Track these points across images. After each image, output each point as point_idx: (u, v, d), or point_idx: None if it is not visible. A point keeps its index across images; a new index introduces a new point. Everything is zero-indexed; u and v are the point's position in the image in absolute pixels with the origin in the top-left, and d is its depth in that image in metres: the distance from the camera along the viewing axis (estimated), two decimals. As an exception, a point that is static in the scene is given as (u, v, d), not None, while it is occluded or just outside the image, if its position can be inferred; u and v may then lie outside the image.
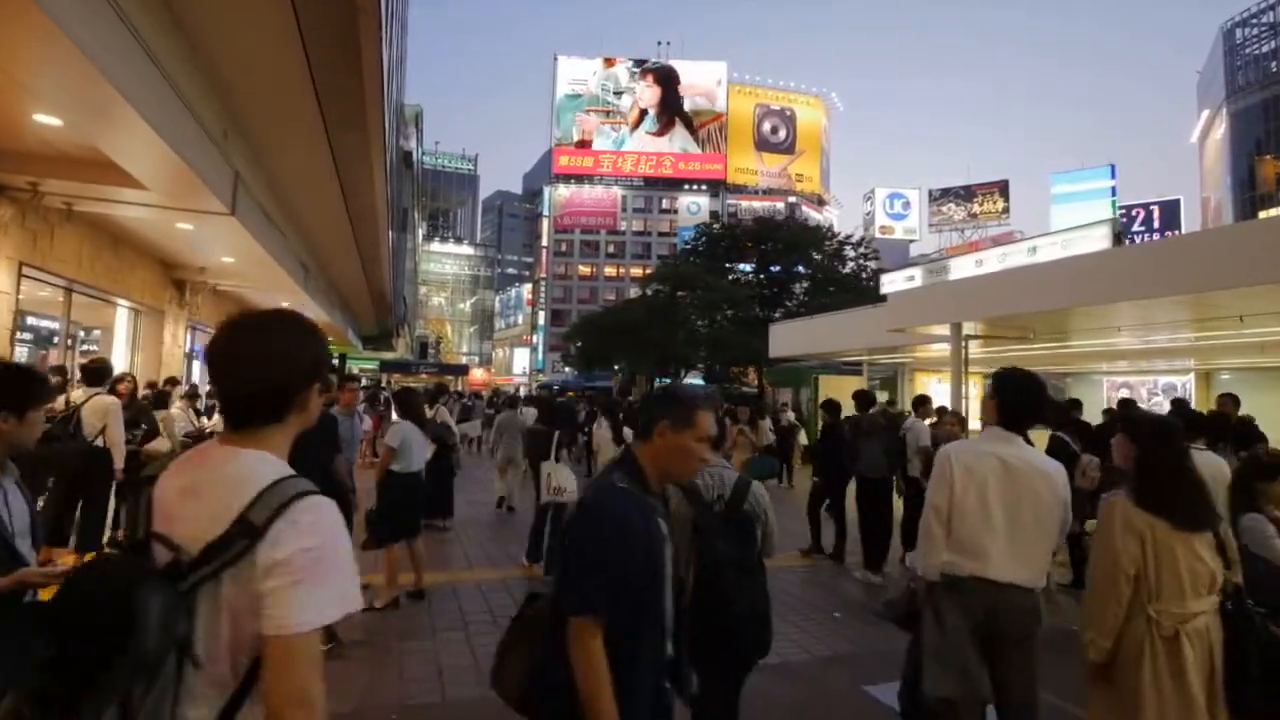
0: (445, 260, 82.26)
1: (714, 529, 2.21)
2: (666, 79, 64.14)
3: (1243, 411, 7.09)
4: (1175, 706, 2.14)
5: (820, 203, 67.23)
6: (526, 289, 72.91)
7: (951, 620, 2.31)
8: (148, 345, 11.44)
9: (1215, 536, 2.20)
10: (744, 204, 60.96)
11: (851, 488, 6.73)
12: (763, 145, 65.93)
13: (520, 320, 74.08)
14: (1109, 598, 2.22)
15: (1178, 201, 59.84)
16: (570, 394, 24.83)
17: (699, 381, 34.55)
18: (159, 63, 5.29)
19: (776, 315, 27.51)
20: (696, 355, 30.48)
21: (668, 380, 33.09)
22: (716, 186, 64.32)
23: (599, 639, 1.45)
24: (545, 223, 65.40)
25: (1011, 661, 2.35)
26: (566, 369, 46.86)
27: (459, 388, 33.11)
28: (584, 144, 64.67)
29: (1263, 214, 41.94)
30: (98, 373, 5.40)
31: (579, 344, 35.17)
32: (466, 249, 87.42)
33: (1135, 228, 56.74)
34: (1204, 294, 6.57)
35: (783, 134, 67.01)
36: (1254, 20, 53.03)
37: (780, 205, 57.16)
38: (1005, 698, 2.34)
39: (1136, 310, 7.74)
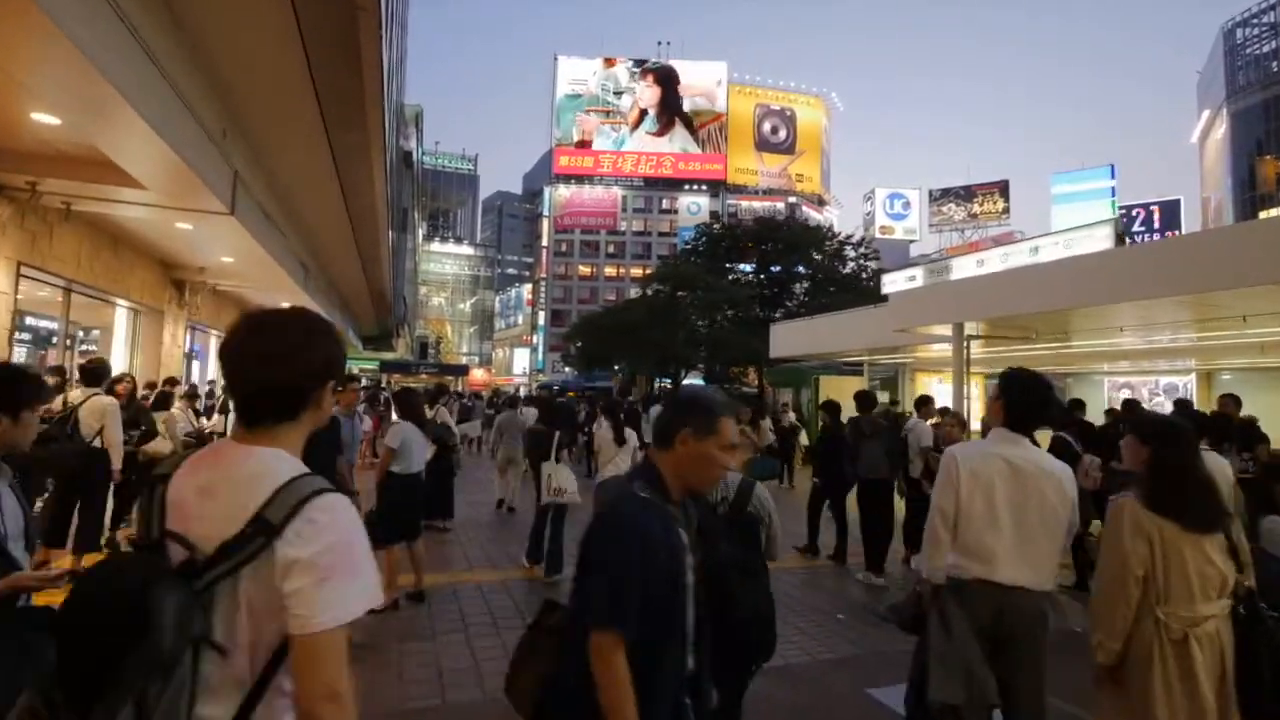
0: (445, 260, 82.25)
1: (717, 531, 2.18)
2: (666, 79, 64.13)
3: (1244, 412, 7.07)
4: (1185, 711, 2.12)
5: (820, 203, 67.21)
6: (526, 289, 72.90)
7: (958, 624, 2.29)
8: (147, 345, 11.42)
9: (1227, 539, 2.17)
10: (744, 204, 60.94)
11: (852, 489, 6.71)
12: (763, 145, 65.93)
13: (520, 320, 74.07)
14: (1117, 600, 2.21)
15: (1178, 202, 59.83)
16: (570, 394, 24.81)
17: (699, 382, 34.55)
18: (158, 62, 5.27)
19: (777, 315, 27.48)
20: (697, 355, 30.46)
21: (668, 380, 33.10)
22: (716, 187, 64.31)
23: (622, 653, 1.42)
24: (545, 223, 65.39)
25: (1019, 665, 2.32)
26: (566, 369, 46.84)
27: (459, 388, 33.08)
28: (584, 144, 64.65)
29: (1263, 214, 41.92)
30: (95, 373, 5.37)
31: (579, 344, 35.15)
32: (466, 249, 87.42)
33: (1135, 228, 56.69)
34: (1206, 294, 6.55)
35: (783, 134, 66.99)
36: (1254, 20, 53.02)
37: (780, 205, 57.15)
38: (1012, 702, 2.31)
39: (1138, 310, 7.72)
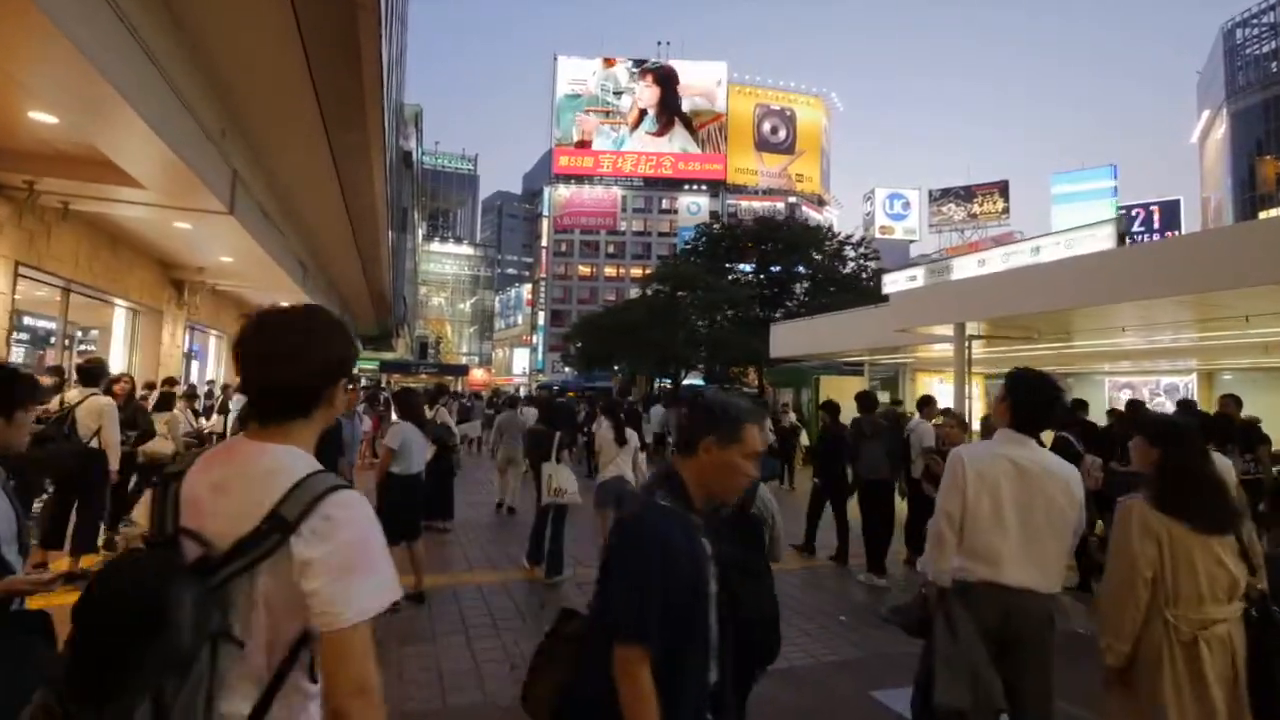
0: (445, 260, 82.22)
1: (721, 532, 2.15)
2: (666, 79, 64.11)
3: (1246, 413, 7.05)
4: (1195, 713, 2.10)
5: (820, 203, 67.21)
6: (526, 289, 72.88)
7: (964, 627, 2.26)
8: (146, 345, 11.40)
9: (1239, 541, 2.15)
10: (744, 204, 60.91)
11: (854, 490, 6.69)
12: (763, 145, 65.91)
13: (520, 320, 74.05)
14: (1126, 602, 2.20)
15: (1177, 202, 59.81)
16: (570, 394, 24.78)
17: (699, 382, 34.51)
18: (157, 61, 5.25)
19: (777, 315, 27.47)
20: (697, 355, 30.44)
21: (668, 381, 33.08)
22: (716, 187, 64.29)
23: (647, 667, 1.39)
24: (545, 223, 65.37)
25: (1026, 668, 2.30)
26: (566, 369, 46.81)
27: (459, 388, 33.06)
28: (584, 144, 64.63)
29: (1263, 214, 41.92)
30: (93, 373, 5.34)
31: (579, 344, 35.12)
32: (466, 249, 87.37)
33: (1135, 228, 56.68)
34: (1209, 294, 6.53)
35: (783, 134, 66.98)
36: (1254, 20, 53.00)
37: (780, 205, 57.13)
38: (1019, 706, 2.29)
39: (1141, 310, 7.70)
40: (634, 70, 64.79)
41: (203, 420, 9.38)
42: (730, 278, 32.79)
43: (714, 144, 64.59)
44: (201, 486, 1.11)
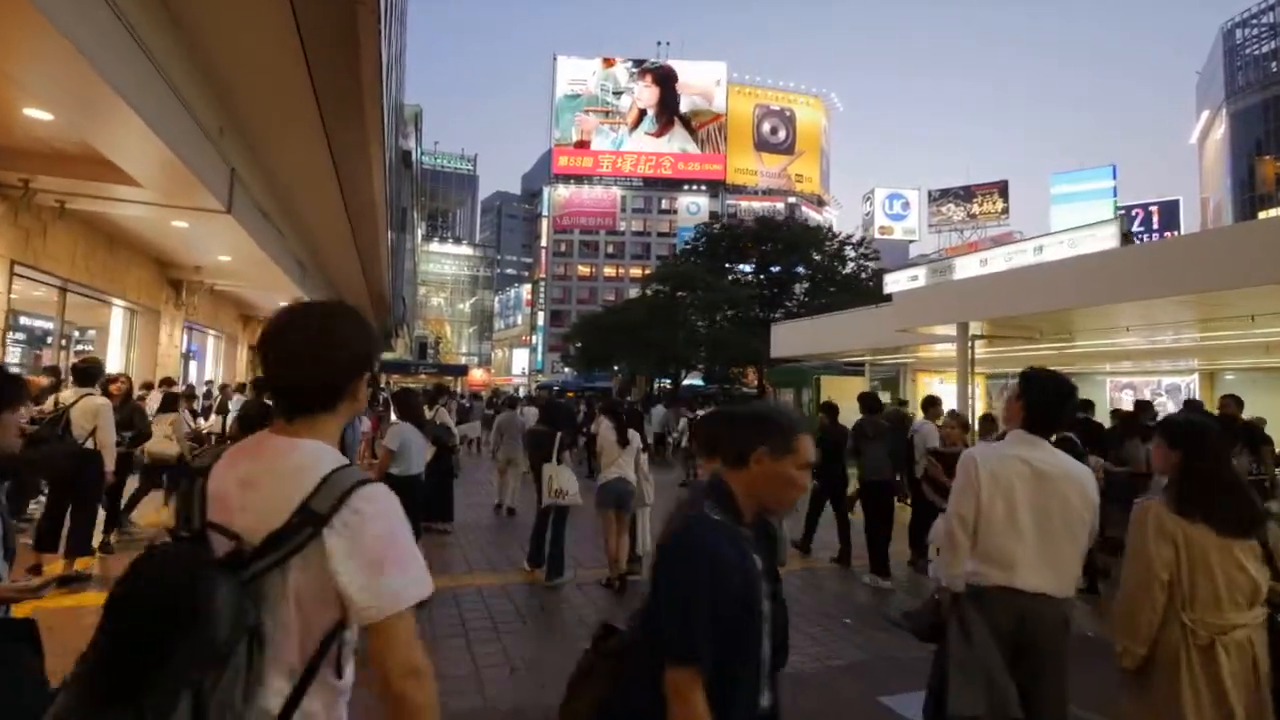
0: (444, 260, 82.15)
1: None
2: (665, 79, 64.09)
3: (1247, 413, 7.02)
4: (1212, 718, 2.05)
5: (820, 203, 67.21)
6: (526, 289, 72.83)
7: (978, 632, 2.21)
8: (144, 345, 11.34)
9: (1263, 546, 2.10)
10: (744, 204, 60.90)
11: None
12: (762, 146, 65.90)
13: (519, 321, 74.00)
14: (1142, 604, 2.17)
15: (1177, 202, 59.86)
16: (569, 394, 24.73)
17: (698, 383, 34.48)
18: (155, 59, 5.20)
19: (776, 315, 27.46)
20: (696, 355, 30.43)
21: (668, 381, 33.04)
22: (716, 187, 64.28)
23: (701, 690, 1.33)
24: (544, 223, 65.33)
25: (1041, 673, 2.24)
26: (566, 369, 46.78)
27: (458, 388, 33.00)
28: (583, 144, 64.59)
29: (1262, 214, 41.93)
30: (88, 373, 5.27)
31: (579, 344, 35.08)
32: (466, 249, 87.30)
33: (1135, 228, 56.71)
34: (1213, 294, 6.50)
35: (782, 134, 66.98)
36: (1254, 21, 53.03)
37: (780, 206, 57.14)
38: (1034, 711, 2.23)
39: (1144, 310, 7.66)
40: (633, 70, 64.76)
41: (201, 420, 9.32)
42: (730, 278, 32.80)
43: (713, 144, 64.57)
44: (229, 481, 1.12)
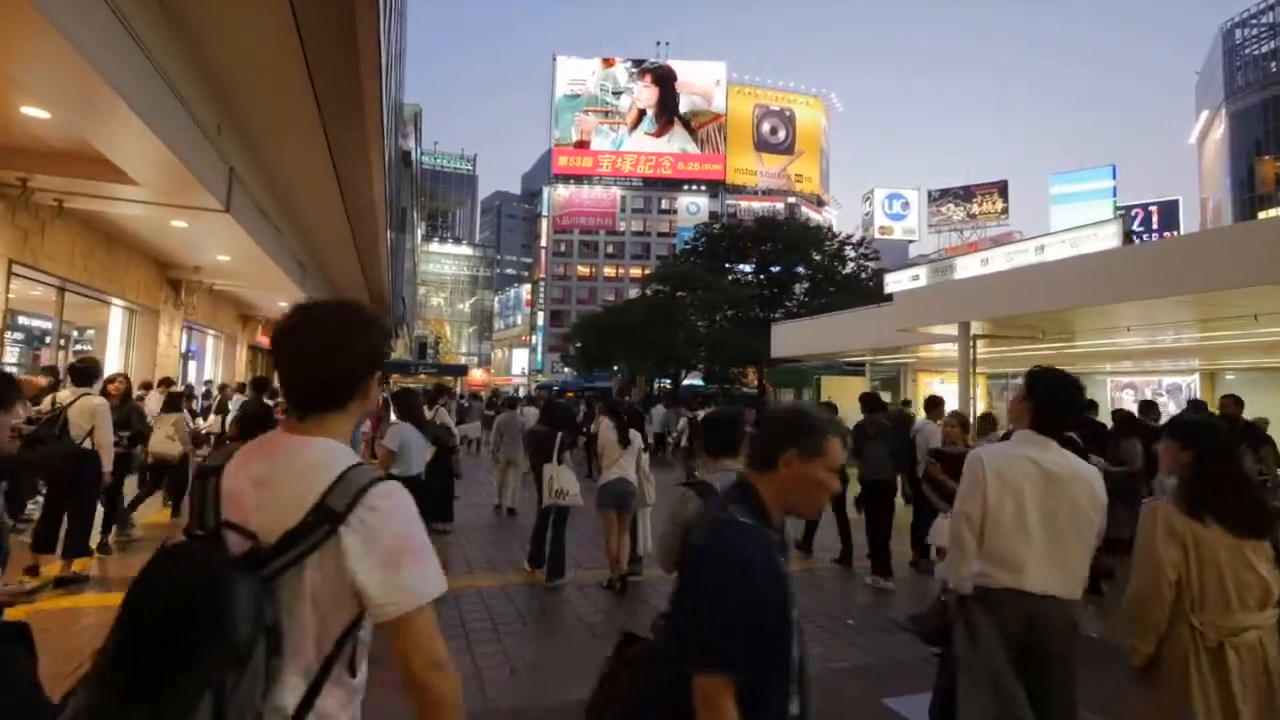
0: (444, 260, 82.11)
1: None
2: (664, 79, 64.06)
3: (1247, 413, 7.00)
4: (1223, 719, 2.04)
5: (820, 203, 67.20)
6: (525, 289, 72.79)
7: (985, 633, 2.18)
8: (142, 345, 11.31)
9: (1274, 547, 2.08)
10: (743, 204, 60.88)
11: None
12: (762, 146, 65.89)
13: (519, 321, 73.95)
14: (1151, 603, 2.16)
15: (1176, 202, 59.87)
16: (569, 394, 24.70)
17: (698, 383, 34.45)
18: (153, 57, 5.18)
19: (776, 315, 27.44)
20: (696, 355, 30.40)
21: (668, 381, 33.01)
22: (716, 187, 64.26)
23: (732, 699, 1.29)
24: (544, 223, 65.30)
25: (1049, 676, 2.22)
26: (566, 369, 46.76)
27: (458, 388, 32.97)
28: (583, 144, 64.57)
29: (1261, 214, 41.93)
30: (86, 372, 5.24)
31: (579, 344, 35.05)
32: (465, 249, 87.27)
33: (1134, 228, 56.71)
34: (1214, 294, 6.49)
35: (782, 134, 66.96)
36: (1253, 20, 53.03)
37: (780, 206, 57.12)
38: (1043, 714, 2.21)
39: (1146, 310, 7.65)
40: (633, 70, 64.73)
41: (200, 420, 9.29)
42: (730, 278, 32.77)
43: (713, 144, 64.56)
44: (243, 480, 1.11)
